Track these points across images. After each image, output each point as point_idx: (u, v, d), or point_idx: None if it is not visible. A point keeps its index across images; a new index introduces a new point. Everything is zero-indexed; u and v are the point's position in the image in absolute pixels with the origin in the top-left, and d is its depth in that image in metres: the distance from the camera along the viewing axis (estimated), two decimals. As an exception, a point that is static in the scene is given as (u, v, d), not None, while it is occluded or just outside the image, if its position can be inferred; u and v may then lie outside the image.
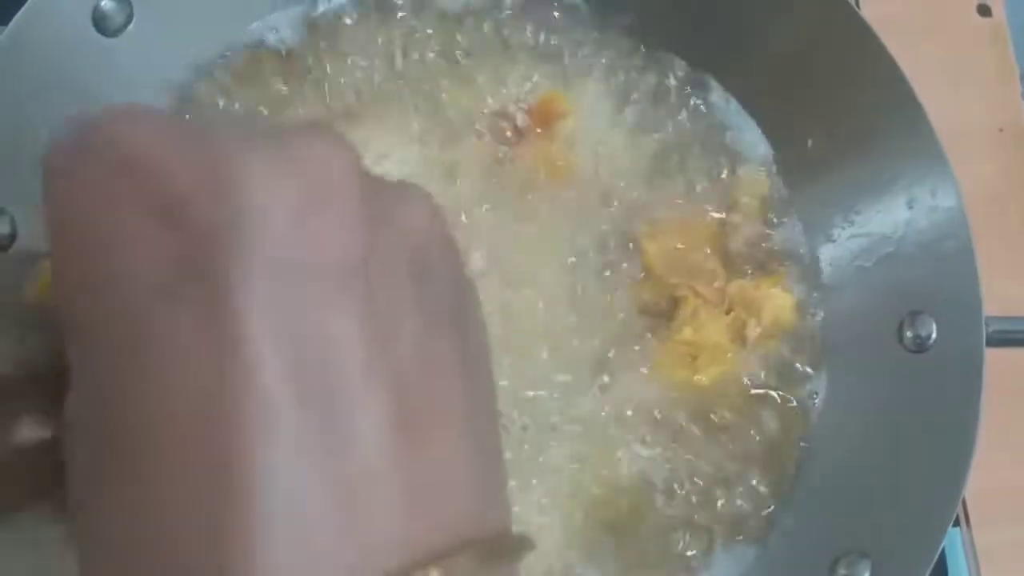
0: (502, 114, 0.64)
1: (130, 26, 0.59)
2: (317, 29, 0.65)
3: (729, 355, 0.62)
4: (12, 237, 0.54)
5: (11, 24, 0.54)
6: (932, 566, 0.53)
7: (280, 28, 0.65)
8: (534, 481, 0.59)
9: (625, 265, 0.63)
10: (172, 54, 0.62)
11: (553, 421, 0.60)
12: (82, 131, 0.29)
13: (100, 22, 0.57)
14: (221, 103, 0.63)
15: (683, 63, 0.66)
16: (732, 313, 0.62)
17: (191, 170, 0.26)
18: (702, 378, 0.62)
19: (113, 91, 0.60)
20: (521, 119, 0.64)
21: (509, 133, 0.64)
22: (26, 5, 0.54)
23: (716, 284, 0.62)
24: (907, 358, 0.59)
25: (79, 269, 0.29)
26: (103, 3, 0.57)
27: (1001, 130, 0.77)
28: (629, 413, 0.60)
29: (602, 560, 0.59)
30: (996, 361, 0.56)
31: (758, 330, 0.61)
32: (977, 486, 0.55)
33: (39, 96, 0.56)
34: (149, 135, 0.28)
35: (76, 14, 0.57)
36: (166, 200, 0.26)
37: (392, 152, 0.63)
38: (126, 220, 0.27)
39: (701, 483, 0.60)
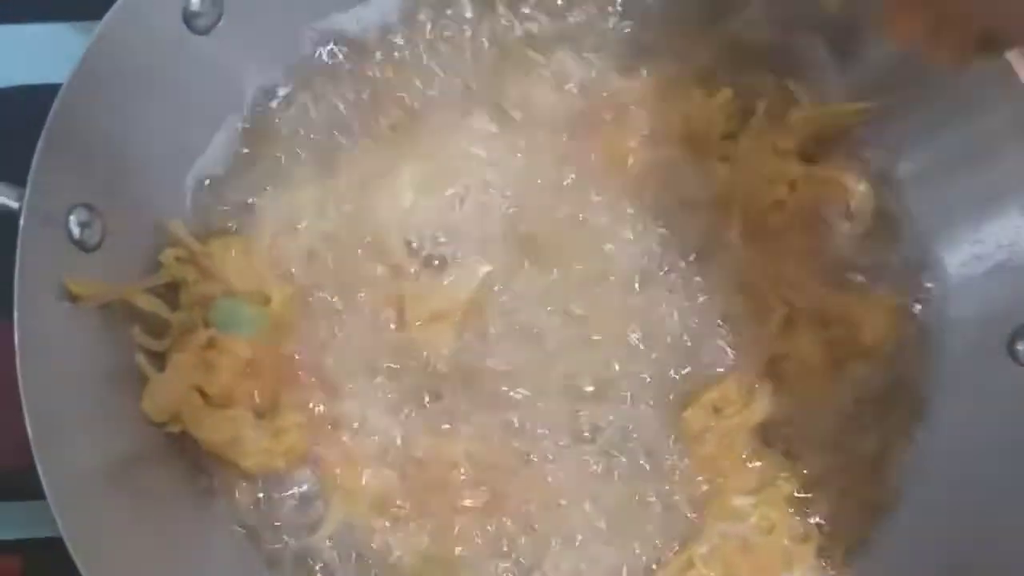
0: (574, 107, 0.62)
1: (221, 22, 0.58)
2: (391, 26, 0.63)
3: (820, 373, 0.59)
4: (102, 236, 0.54)
5: (102, 24, 0.53)
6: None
7: (362, 21, 0.63)
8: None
9: (713, 271, 0.61)
10: (263, 49, 0.61)
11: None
12: None
13: (191, 20, 0.57)
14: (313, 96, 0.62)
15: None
16: (829, 331, 0.59)
17: None
18: (789, 394, 0.59)
19: (206, 88, 0.59)
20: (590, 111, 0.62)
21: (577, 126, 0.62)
22: (115, 5, 0.53)
23: (815, 296, 0.59)
24: (1019, 372, 0.56)
25: None
26: (193, 1, 0.56)
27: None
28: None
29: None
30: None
31: (855, 350, 0.59)
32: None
33: (131, 94, 0.55)
34: None
35: (166, 12, 0.56)
36: None
37: (467, 148, 0.62)
38: None
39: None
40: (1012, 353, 0.57)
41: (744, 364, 0.59)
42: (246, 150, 0.61)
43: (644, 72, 0.63)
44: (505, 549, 0.56)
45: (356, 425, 0.57)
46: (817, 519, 0.58)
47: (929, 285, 0.61)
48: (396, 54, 0.63)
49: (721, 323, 0.60)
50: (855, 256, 0.61)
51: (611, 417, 0.59)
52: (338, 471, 0.57)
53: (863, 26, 0.60)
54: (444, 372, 0.59)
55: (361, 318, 0.59)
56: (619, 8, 0.64)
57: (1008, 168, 0.57)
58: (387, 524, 0.57)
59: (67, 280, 0.51)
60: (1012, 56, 0.54)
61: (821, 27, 0.62)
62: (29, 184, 0.50)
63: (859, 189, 0.61)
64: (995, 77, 0.55)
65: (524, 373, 0.59)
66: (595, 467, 0.58)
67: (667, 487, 0.58)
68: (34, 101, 0.51)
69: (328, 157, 0.61)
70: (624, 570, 0.57)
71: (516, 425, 0.58)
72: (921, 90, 0.58)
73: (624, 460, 0.59)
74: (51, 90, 0.51)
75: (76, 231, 0.53)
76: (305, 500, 0.57)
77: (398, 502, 0.57)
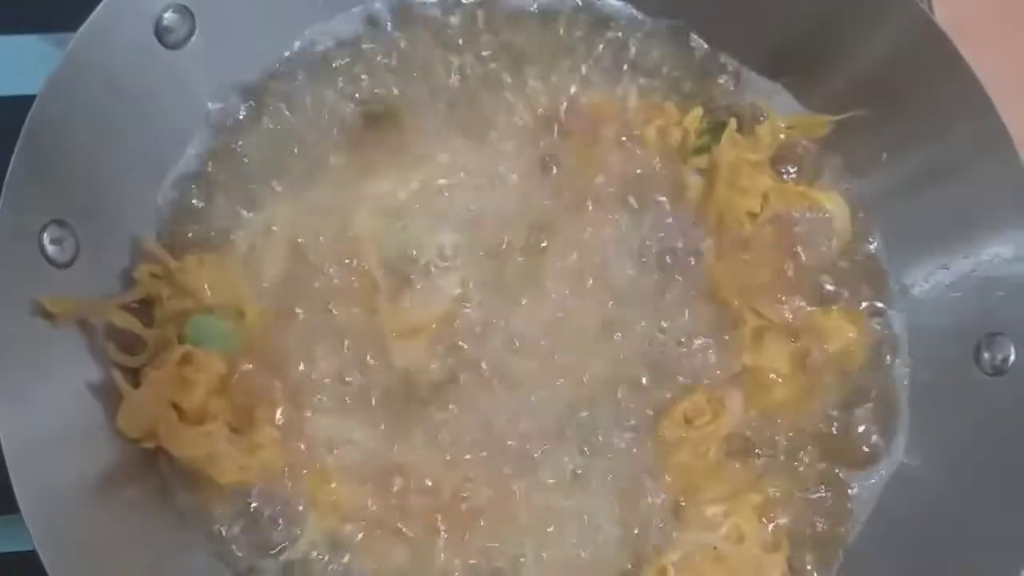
0: (550, 118, 0.63)
1: (192, 38, 0.58)
2: (367, 35, 0.64)
3: (789, 384, 0.60)
4: (75, 253, 0.54)
5: (75, 37, 0.53)
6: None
7: (330, 34, 0.64)
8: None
9: (686, 282, 0.61)
10: (233, 64, 0.61)
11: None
12: None
13: (163, 35, 0.57)
14: (285, 109, 0.63)
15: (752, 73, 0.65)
16: (798, 342, 0.60)
17: None
18: (758, 404, 0.60)
19: (177, 102, 0.59)
20: (568, 122, 0.63)
21: (557, 137, 0.63)
22: (88, 20, 0.53)
23: (785, 306, 0.60)
24: (985, 381, 0.57)
25: None
26: (165, 16, 0.57)
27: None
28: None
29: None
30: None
31: (823, 361, 0.60)
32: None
33: (104, 107, 0.55)
34: None
35: (138, 26, 0.56)
36: None
37: (441, 158, 0.62)
38: None
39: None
40: (979, 362, 0.58)
41: (715, 375, 0.60)
42: (218, 165, 0.61)
43: (620, 88, 0.64)
44: (478, 560, 0.57)
45: (331, 439, 0.58)
46: (788, 529, 0.59)
47: (897, 297, 0.62)
48: (370, 70, 0.63)
49: (693, 334, 0.61)
50: (824, 269, 0.62)
51: (585, 427, 0.59)
52: (314, 486, 0.57)
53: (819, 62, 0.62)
54: (419, 385, 0.59)
55: (336, 332, 0.59)
56: (593, 26, 0.65)
57: (973, 183, 0.58)
58: (364, 538, 0.57)
59: (40, 297, 0.52)
60: None
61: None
62: (2, 200, 0.50)
63: (830, 203, 0.62)
64: (959, 96, 0.56)
65: (498, 386, 0.59)
66: (569, 477, 0.59)
67: (641, 496, 0.59)
68: (6, 114, 0.51)
69: (301, 173, 0.62)
70: (598, 579, 0.58)
71: (490, 437, 0.59)
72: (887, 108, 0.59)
73: (598, 469, 0.59)
74: (23, 102, 0.51)
75: (49, 248, 0.53)
76: (281, 515, 0.57)
77: (374, 516, 0.57)
